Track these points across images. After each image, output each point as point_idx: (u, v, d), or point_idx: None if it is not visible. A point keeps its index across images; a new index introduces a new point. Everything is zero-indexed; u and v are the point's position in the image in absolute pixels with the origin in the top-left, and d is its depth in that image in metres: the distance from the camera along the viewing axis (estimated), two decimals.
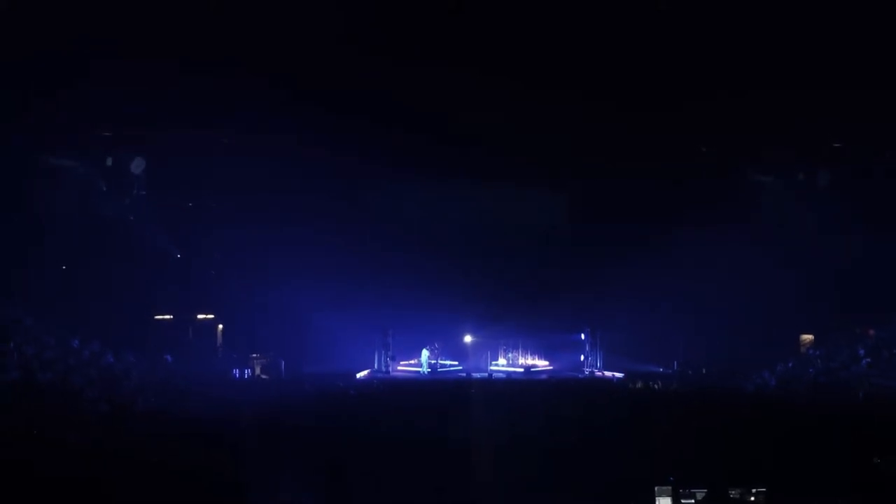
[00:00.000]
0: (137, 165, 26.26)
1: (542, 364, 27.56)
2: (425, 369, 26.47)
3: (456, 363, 27.14)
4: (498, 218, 28.91)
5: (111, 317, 22.86)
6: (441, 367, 26.73)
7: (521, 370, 26.75)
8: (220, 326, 27.38)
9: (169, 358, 22.46)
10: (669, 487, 10.31)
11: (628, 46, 20.88)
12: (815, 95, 21.47)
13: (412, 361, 27.23)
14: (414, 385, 23.13)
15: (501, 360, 27.51)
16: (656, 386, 21.36)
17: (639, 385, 21.78)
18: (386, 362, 26.60)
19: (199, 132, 25.07)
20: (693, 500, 10.25)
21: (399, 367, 26.89)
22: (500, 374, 26.09)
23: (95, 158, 25.89)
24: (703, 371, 24.80)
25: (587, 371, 26.58)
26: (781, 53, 20.66)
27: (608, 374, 26.09)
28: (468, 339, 27.74)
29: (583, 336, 27.12)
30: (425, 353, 26.65)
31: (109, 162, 26.05)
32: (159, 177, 26.27)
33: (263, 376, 25.10)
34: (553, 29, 20.46)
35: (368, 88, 21.89)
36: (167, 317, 26.47)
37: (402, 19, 20.11)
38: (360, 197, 27.32)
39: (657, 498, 10.24)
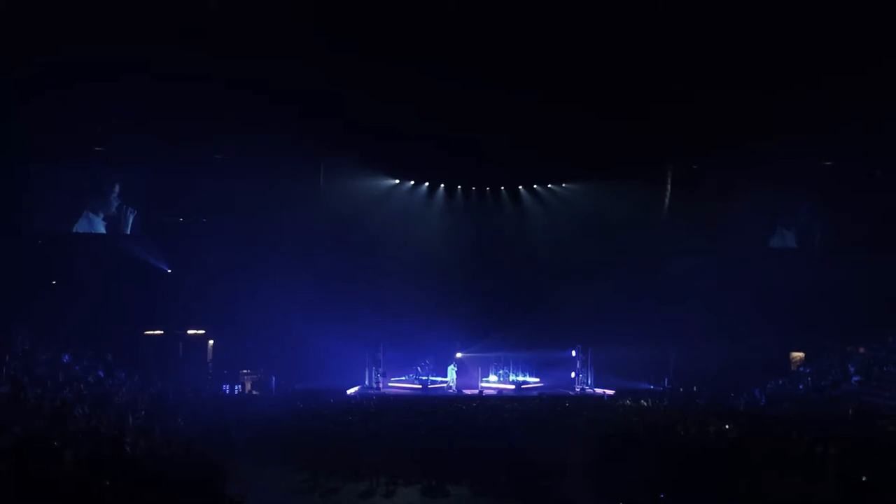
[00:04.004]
0: (128, 181, 26.23)
1: (532, 381, 27.53)
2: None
3: (447, 379, 27.08)
4: (490, 236, 29.03)
5: (102, 332, 22.76)
6: (432, 384, 26.69)
7: (512, 387, 26.71)
8: (211, 342, 27.30)
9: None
10: None
11: (627, 55, 20.81)
12: (814, 108, 21.52)
13: (403, 378, 27.19)
14: (405, 402, 23.02)
15: (492, 377, 27.50)
16: (647, 403, 21.34)
17: (629, 402, 21.76)
18: (377, 378, 26.56)
19: (192, 148, 25.14)
20: None
21: (390, 384, 26.84)
22: (491, 391, 26.04)
23: (89, 174, 25.86)
24: (694, 388, 24.84)
25: (578, 388, 26.57)
26: (780, 58, 20.65)
27: (599, 390, 26.11)
28: (459, 355, 27.70)
29: (574, 353, 27.14)
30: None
31: (101, 178, 26.05)
32: (151, 193, 26.23)
33: (254, 392, 25.02)
34: (553, 34, 20.33)
35: (366, 103, 21.90)
36: (158, 332, 26.37)
37: (404, 21, 19.96)
38: (351, 215, 27.37)
39: None
